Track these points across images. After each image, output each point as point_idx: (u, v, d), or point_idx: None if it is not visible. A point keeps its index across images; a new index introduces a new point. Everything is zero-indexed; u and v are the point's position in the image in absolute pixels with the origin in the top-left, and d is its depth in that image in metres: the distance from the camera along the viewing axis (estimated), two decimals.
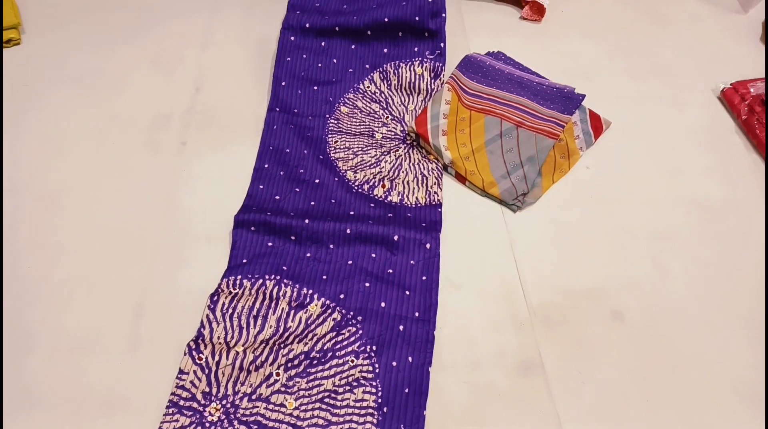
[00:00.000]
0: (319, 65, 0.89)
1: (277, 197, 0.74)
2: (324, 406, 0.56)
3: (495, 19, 1.08)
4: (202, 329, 0.62)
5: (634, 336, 0.66)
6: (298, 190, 0.74)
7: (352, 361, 0.58)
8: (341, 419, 0.55)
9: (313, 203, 0.73)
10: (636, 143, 0.88)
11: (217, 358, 0.59)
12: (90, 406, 0.59)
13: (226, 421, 0.55)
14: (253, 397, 0.56)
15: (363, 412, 0.55)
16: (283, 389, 0.57)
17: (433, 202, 0.74)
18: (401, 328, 0.61)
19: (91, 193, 0.75)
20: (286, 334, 0.60)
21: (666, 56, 1.03)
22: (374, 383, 0.57)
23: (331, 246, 0.68)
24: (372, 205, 0.73)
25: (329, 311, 0.62)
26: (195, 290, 0.67)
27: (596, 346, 0.65)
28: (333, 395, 0.56)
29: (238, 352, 0.59)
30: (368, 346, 0.59)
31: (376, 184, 0.75)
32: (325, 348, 0.59)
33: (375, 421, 0.55)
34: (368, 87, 0.87)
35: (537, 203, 0.78)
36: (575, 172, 0.83)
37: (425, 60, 0.88)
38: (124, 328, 0.63)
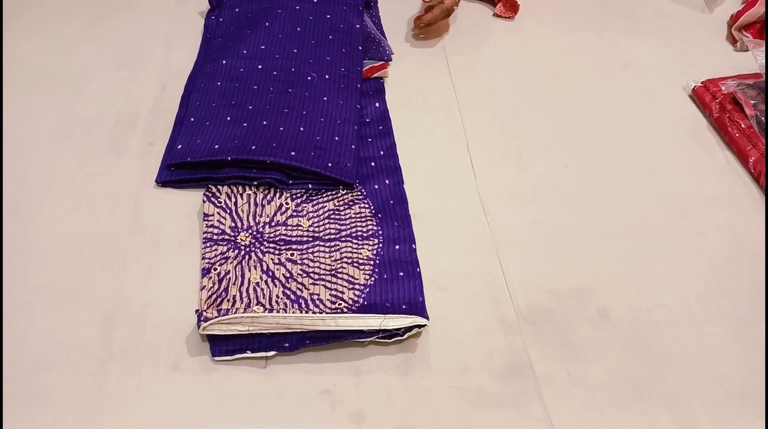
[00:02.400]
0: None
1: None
2: (332, 221, 0.70)
3: (468, 18, 1.07)
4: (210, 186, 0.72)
5: (620, 334, 0.66)
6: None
7: (342, 189, 0.73)
8: (348, 226, 0.70)
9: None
10: (612, 140, 0.88)
11: (233, 199, 0.71)
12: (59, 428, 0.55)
13: (256, 243, 0.67)
14: (272, 223, 0.69)
15: (364, 218, 0.71)
16: (294, 214, 0.70)
17: None
18: (372, 164, 0.78)
19: (53, 200, 0.71)
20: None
21: (636, 53, 1.04)
22: (366, 201, 0.73)
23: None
24: None
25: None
26: (168, 299, 0.64)
27: (584, 346, 0.64)
28: (336, 212, 0.71)
29: (249, 194, 0.71)
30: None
31: None
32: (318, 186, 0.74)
33: (374, 222, 0.71)
34: None
35: (517, 202, 0.77)
36: (554, 171, 0.82)
37: None
38: (93, 342, 0.60)
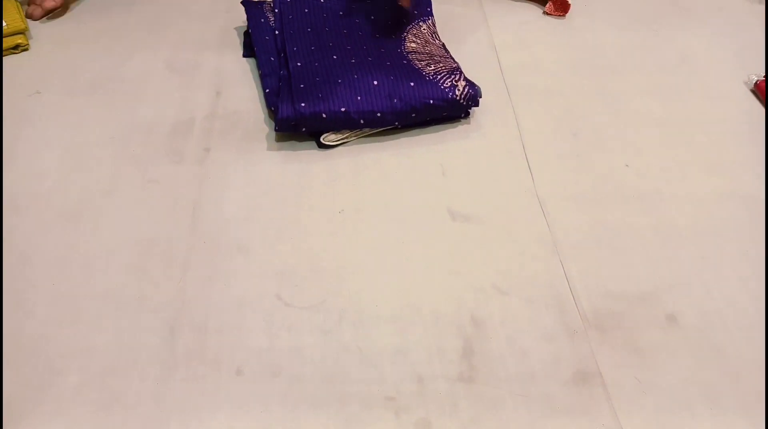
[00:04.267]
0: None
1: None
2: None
3: (517, 15, 1.05)
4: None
5: (690, 339, 0.63)
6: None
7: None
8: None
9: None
10: (672, 138, 0.85)
11: None
12: None
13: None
14: None
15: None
16: None
17: None
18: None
19: (114, 206, 0.72)
20: None
21: (693, 47, 1.01)
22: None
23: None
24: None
25: None
26: (229, 304, 0.64)
27: (653, 351, 0.62)
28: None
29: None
30: None
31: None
32: None
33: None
34: None
35: (578, 203, 0.75)
36: (614, 170, 0.80)
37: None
38: (158, 348, 0.60)
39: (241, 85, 0.88)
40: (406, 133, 0.83)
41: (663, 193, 0.77)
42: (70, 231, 0.69)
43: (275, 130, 0.79)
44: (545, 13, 1.06)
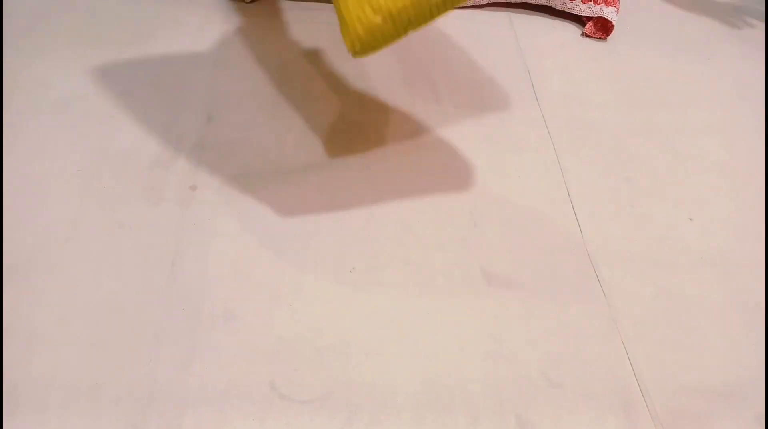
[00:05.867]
0: None
1: None
2: None
3: (552, 36, 0.93)
4: None
5: None
6: None
7: None
8: None
9: None
10: (741, 186, 0.73)
11: None
12: None
13: None
14: None
15: None
16: None
17: None
18: None
19: (73, 258, 0.58)
20: None
21: (750, 79, 0.89)
22: None
23: None
24: None
25: None
26: (211, 395, 0.50)
27: None
28: None
29: None
30: None
31: None
32: None
33: None
34: None
35: (637, 265, 0.63)
36: (676, 225, 0.67)
37: None
38: None
39: (236, 109, 0.75)
40: (427, 170, 0.70)
41: (736, 255, 0.65)
42: (16, 292, 0.55)
43: None
44: (584, 34, 0.94)
